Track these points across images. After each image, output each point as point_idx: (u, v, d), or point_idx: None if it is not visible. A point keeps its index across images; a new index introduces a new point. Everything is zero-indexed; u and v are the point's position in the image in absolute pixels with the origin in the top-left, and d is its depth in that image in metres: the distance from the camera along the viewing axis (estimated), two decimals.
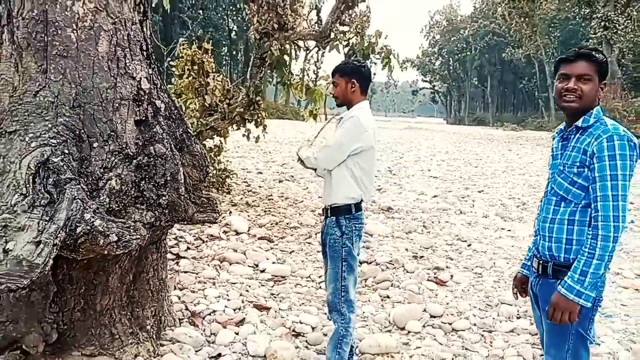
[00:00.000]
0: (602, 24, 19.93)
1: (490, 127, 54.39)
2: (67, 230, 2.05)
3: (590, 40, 22.47)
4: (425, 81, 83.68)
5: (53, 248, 1.93)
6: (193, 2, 47.79)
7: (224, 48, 55.22)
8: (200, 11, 48.52)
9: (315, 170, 3.26)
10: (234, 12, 50.95)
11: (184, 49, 7.97)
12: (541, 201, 2.43)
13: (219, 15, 50.87)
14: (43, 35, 2.55)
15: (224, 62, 56.67)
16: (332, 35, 6.31)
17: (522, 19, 31.92)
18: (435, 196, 9.73)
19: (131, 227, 2.31)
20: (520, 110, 67.26)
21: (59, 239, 1.97)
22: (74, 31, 2.59)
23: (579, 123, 2.21)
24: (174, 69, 8.19)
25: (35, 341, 2.65)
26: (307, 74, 7.87)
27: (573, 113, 2.23)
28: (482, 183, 11.70)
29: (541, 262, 2.34)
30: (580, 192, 2.19)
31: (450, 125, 62.16)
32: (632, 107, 25.45)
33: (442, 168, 14.35)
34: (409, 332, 3.99)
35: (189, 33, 39.57)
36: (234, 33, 53.91)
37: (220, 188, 8.47)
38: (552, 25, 46.99)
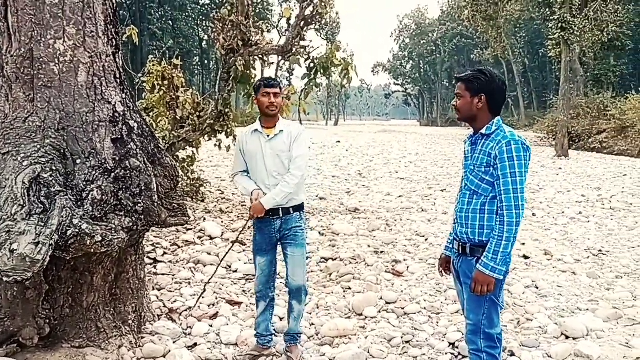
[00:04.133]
0: (559, 25, 20.78)
1: (463, 128, 55.39)
2: (60, 233, 2.47)
3: (549, 41, 23.32)
4: (398, 84, 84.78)
5: (49, 247, 2.35)
6: (162, 13, 47.94)
7: (195, 58, 55.34)
8: (170, 22, 48.68)
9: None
10: (204, 22, 51.17)
11: (153, 65, 8.35)
12: (458, 195, 2.93)
13: (189, 25, 51.02)
14: (30, 69, 2.97)
15: (196, 72, 56.76)
16: (294, 50, 6.76)
17: (487, 22, 32.77)
18: (400, 196, 10.23)
19: (112, 229, 2.73)
20: None
21: (53, 240, 2.39)
22: (57, 65, 3.01)
23: (483, 131, 2.72)
24: (145, 84, 8.57)
25: (31, 334, 3.05)
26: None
27: (460, 120, 2.80)
28: (446, 182, 12.27)
29: (461, 244, 2.84)
30: (488, 187, 2.70)
31: (423, 127, 63.24)
32: (594, 104, 26.45)
33: (410, 169, 14.90)
34: (366, 317, 4.44)
35: (159, 44, 39.71)
36: (204, 42, 54.10)
37: (194, 196, 8.80)
38: (518, 26, 48.28)
